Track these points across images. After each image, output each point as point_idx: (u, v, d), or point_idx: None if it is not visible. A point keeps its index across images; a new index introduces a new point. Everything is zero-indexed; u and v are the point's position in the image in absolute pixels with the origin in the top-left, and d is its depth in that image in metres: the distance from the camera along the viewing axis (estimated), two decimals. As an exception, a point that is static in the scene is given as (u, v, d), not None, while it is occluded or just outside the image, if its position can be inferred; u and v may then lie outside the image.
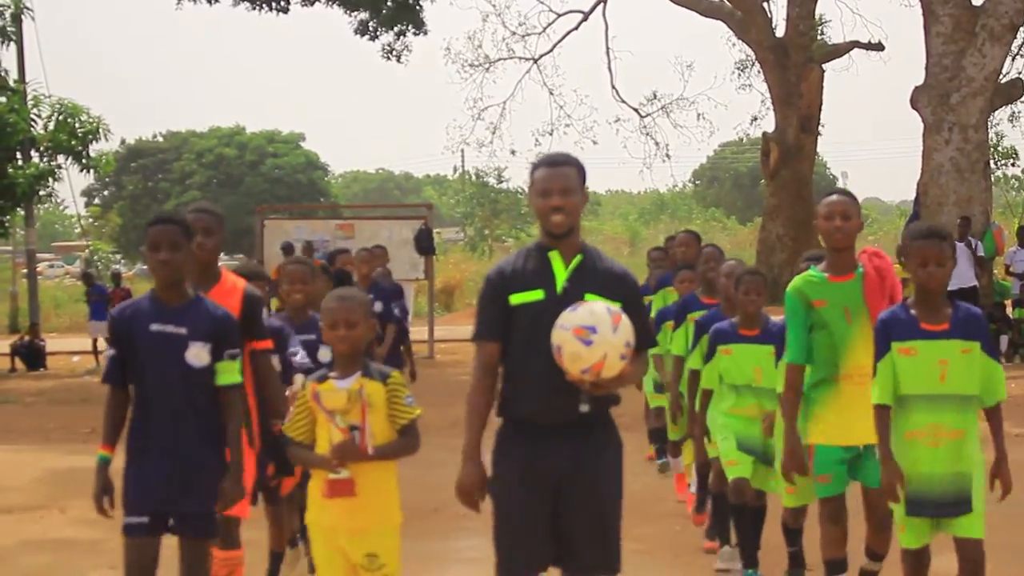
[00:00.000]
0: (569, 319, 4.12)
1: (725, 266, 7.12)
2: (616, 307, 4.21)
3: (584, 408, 4.25)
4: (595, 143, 50.84)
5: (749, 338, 6.52)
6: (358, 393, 4.54)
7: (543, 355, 4.17)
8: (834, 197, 5.44)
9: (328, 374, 4.65)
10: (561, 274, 4.32)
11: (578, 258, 4.35)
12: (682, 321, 7.58)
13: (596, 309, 4.15)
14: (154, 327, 4.65)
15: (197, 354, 4.65)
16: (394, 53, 26.40)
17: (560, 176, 4.32)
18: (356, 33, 25.83)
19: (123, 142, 56.20)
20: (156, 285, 4.74)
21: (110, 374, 4.77)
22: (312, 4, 24.85)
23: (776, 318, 6.51)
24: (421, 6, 25.59)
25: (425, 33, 26.09)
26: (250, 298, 5.39)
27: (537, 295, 4.30)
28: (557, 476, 4.26)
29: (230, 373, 4.74)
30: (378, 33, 25.97)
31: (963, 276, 15.53)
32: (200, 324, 4.68)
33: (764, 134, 25.69)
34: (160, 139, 59.17)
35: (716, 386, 6.63)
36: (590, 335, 4.08)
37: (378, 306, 9.88)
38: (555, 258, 4.35)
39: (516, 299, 4.31)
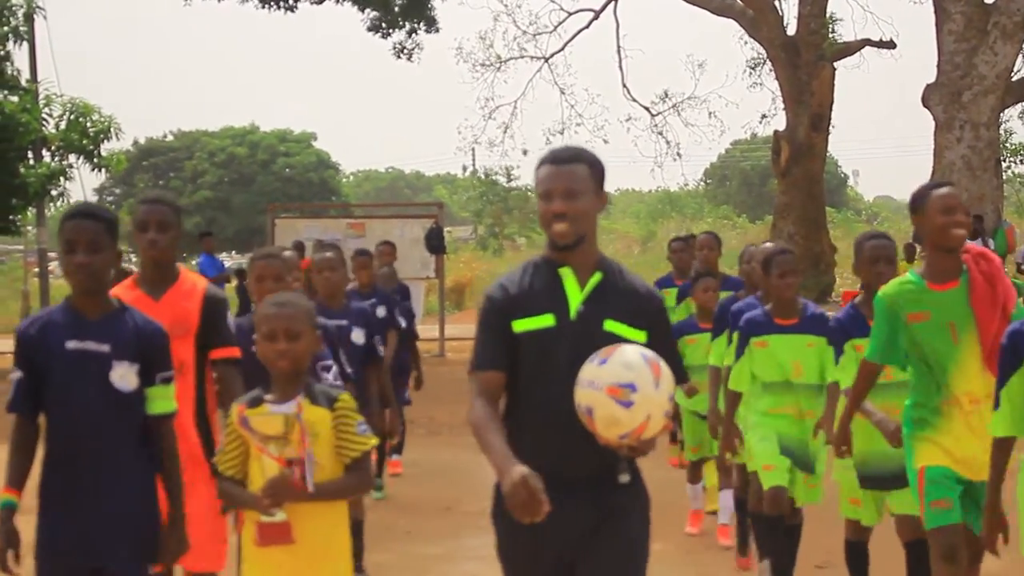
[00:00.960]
0: (599, 375, 3.28)
1: (747, 250, 6.40)
2: (648, 349, 3.39)
3: (624, 479, 3.52)
4: (606, 142, 50.48)
5: (786, 328, 5.79)
6: (296, 418, 3.79)
7: (554, 396, 3.41)
8: (947, 189, 4.68)
9: (263, 397, 3.88)
10: (576, 296, 3.54)
11: (597, 276, 3.57)
12: (722, 328, 6.60)
13: (631, 360, 3.30)
14: (71, 344, 3.86)
15: (123, 375, 3.87)
16: (405, 51, 26.45)
17: (564, 176, 3.51)
18: (369, 30, 25.90)
19: (135, 141, 56.37)
20: (72, 292, 3.96)
21: (17, 402, 3.91)
22: (321, 2, 24.90)
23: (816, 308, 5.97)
24: (432, 4, 25.63)
25: (437, 31, 26.14)
26: (211, 300, 4.74)
27: (546, 321, 3.51)
28: (573, 541, 3.53)
29: (164, 400, 3.97)
30: (390, 31, 26.02)
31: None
32: (126, 340, 3.89)
33: (775, 132, 25.61)
34: (171, 138, 59.31)
35: (748, 386, 5.90)
36: (630, 395, 3.24)
37: (381, 311, 9.59)
38: (567, 276, 3.56)
39: (520, 326, 3.51)
